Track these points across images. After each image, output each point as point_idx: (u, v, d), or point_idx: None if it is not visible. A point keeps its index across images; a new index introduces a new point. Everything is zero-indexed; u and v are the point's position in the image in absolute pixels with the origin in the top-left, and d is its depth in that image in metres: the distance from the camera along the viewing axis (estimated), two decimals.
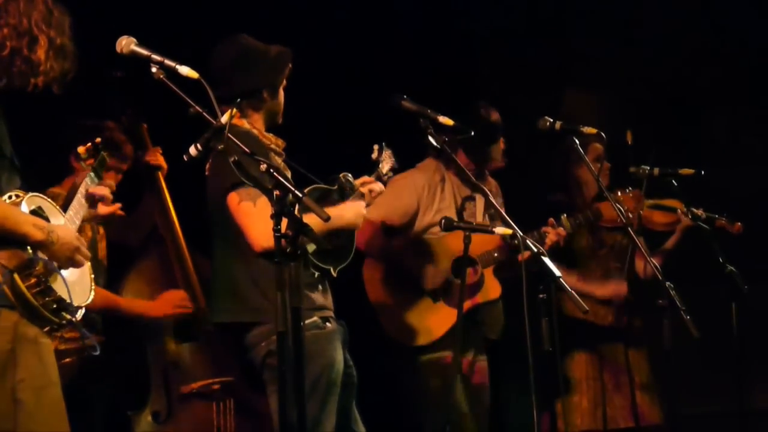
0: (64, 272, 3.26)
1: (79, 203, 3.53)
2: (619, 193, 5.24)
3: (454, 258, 5.16)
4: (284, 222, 3.39)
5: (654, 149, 5.15)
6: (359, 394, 4.35)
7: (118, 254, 5.03)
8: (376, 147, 4.60)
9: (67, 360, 4.38)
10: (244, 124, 4.20)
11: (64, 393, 3.31)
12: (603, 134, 4.78)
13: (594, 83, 6.69)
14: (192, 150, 3.54)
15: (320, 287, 4.22)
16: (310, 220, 3.55)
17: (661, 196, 5.54)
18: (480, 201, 5.37)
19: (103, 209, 3.64)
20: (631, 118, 6.08)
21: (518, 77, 6.73)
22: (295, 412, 3.40)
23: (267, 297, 4.01)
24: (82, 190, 3.56)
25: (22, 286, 3.14)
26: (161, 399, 4.89)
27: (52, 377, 3.24)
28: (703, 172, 5.25)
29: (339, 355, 4.16)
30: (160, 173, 5.05)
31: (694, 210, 5.46)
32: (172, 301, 4.90)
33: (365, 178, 4.48)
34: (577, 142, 4.71)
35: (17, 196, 3.23)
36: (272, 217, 3.42)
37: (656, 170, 5.18)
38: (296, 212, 3.43)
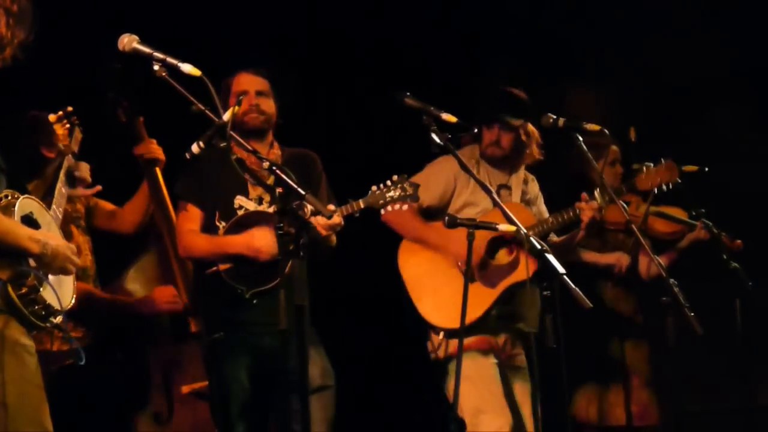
0: (51, 277, 3.29)
1: (59, 194, 3.55)
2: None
3: (489, 238, 5.09)
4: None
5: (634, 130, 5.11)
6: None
7: (116, 250, 5.04)
8: (395, 177, 4.64)
9: (69, 361, 4.37)
10: None
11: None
12: (606, 131, 4.76)
13: (597, 80, 6.68)
14: (194, 148, 3.55)
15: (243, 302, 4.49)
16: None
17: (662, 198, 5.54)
18: (516, 189, 5.31)
19: (82, 191, 3.67)
20: (635, 115, 6.07)
21: (522, 74, 6.73)
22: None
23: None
24: (62, 178, 3.57)
25: (14, 296, 3.18)
26: (162, 400, 4.89)
27: (33, 380, 3.23)
28: (706, 169, 5.23)
29: (234, 371, 4.49)
30: (157, 168, 5.02)
31: (707, 222, 5.46)
32: (162, 298, 4.90)
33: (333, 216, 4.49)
34: (581, 139, 4.68)
35: (6, 197, 3.24)
36: (276, 214, 3.44)
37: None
38: (299, 210, 3.45)
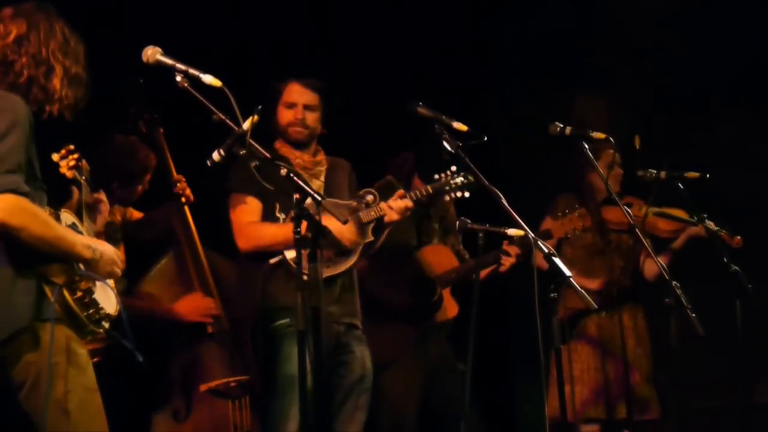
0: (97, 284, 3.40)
1: (86, 218, 3.68)
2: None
3: (413, 279, 5.27)
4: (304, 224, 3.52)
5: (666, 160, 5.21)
6: None
7: (134, 254, 5.10)
8: (454, 168, 4.81)
9: (94, 359, 4.45)
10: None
11: None
12: (612, 139, 4.83)
13: (604, 89, 6.75)
14: (215, 156, 3.64)
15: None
16: None
17: (665, 204, 5.63)
18: (435, 224, 5.49)
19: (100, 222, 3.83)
20: (640, 123, 6.13)
21: (529, 83, 6.80)
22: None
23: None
24: (84, 207, 3.71)
25: (70, 300, 3.29)
26: (180, 398, 4.92)
27: (92, 385, 3.37)
28: (708, 176, 5.30)
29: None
30: (185, 206, 5.03)
31: (709, 223, 5.53)
32: (199, 309, 4.93)
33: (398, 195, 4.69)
34: (587, 147, 4.76)
35: (50, 211, 3.37)
36: (292, 219, 3.53)
37: (663, 173, 5.24)
38: (315, 215, 3.55)
